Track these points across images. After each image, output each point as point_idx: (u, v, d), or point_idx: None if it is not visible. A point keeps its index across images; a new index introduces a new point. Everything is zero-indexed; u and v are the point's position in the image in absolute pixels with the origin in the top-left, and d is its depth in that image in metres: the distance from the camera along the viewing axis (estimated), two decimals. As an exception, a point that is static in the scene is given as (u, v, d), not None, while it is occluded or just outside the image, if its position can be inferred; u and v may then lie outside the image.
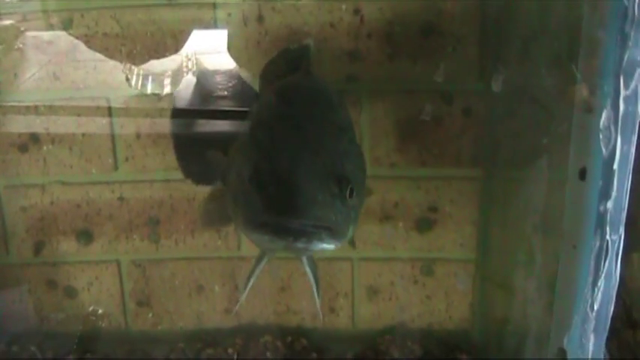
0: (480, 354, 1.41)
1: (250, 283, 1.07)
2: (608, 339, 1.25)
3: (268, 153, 0.81)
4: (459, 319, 1.45)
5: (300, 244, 0.74)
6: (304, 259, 1.02)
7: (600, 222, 0.75)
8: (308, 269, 1.02)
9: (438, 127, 1.35)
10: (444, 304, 1.44)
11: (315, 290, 1.08)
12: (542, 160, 1.04)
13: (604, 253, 0.76)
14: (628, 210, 1.17)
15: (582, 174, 0.74)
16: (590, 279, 0.77)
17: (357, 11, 1.29)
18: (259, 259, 1.05)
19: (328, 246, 0.77)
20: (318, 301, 1.10)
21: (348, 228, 0.81)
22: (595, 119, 0.70)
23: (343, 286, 1.44)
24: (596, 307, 0.78)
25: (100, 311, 1.47)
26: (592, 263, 0.77)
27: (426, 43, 1.30)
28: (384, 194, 1.38)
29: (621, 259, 0.79)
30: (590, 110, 0.70)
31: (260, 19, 1.30)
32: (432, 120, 1.33)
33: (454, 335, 1.45)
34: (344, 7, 1.29)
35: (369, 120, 1.35)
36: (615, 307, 1.24)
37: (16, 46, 1.32)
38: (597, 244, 0.76)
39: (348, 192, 0.79)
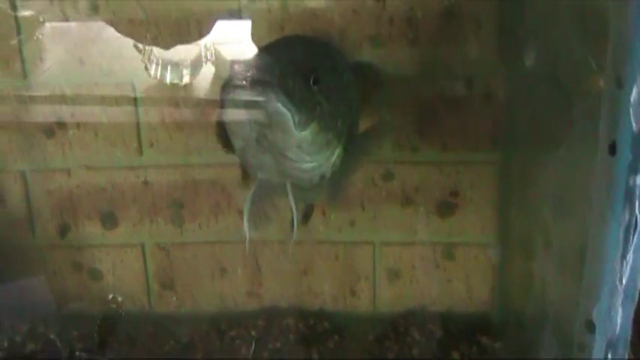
0: (499, 336, 1.42)
1: (246, 211, 1.10)
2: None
3: (254, 54, 0.94)
4: (480, 302, 1.47)
5: (255, 92, 0.83)
6: (288, 186, 1.02)
7: (629, 196, 0.76)
8: (291, 198, 1.04)
9: (458, 112, 1.36)
10: (464, 287, 1.46)
11: (294, 217, 1.10)
12: (561, 143, 1.05)
13: (633, 226, 0.77)
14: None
15: (612, 148, 0.75)
16: (620, 252, 0.79)
17: (379, -3, 1.31)
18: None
19: (282, 107, 0.84)
20: (294, 229, 1.12)
21: (308, 108, 0.88)
22: (625, 95, 0.72)
23: (364, 270, 1.46)
24: (624, 281, 0.80)
25: (123, 294, 1.49)
26: (621, 237, 0.78)
27: (447, 27, 1.31)
28: (405, 178, 1.40)
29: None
30: (621, 86, 0.71)
31: (284, 5, 1.31)
32: (453, 104, 1.35)
33: (474, 318, 1.46)
34: (367, -7, 1.31)
35: (391, 105, 1.37)
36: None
37: (35, 37, 1.34)
38: (626, 217, 0.77)
39: (312, 79, 0.88)
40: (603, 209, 0.78)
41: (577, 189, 0.97)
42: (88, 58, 1.36)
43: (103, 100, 1.38)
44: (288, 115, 0.85)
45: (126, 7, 1.32)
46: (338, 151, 0.98)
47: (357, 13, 1.31)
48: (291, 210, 1.04)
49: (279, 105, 0.84)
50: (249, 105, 0.85)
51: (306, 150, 0.92)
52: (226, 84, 0.87)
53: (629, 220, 0.77)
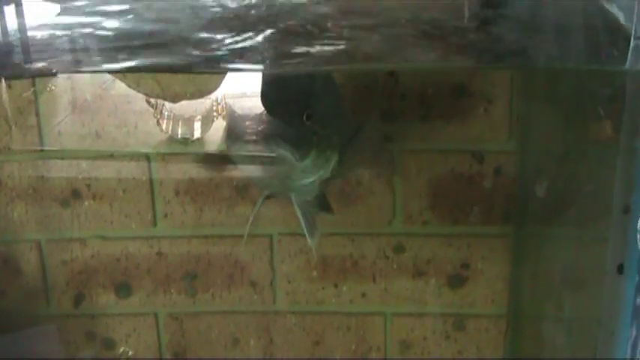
0: (510, 408, 1.43)
1: (252, 219, 1.20)
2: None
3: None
4: (490, 374, 1.47)
5: (257, 145, 0.92)
6: (293, 199, 1.10)
7: (636, 314, 0.78)
8: (297, 209, 1.10)
9: (469, 186, 1.37)
10: (475, 358, 1.46)
11: (304, 228, 1.13)
12: (572, 217, 1.06)
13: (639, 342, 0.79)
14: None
15: (620, 269, 0.77)
16: (627, 364, 0.81)
17: (391, 74, 1.32)
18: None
19: (283, 150, 0.92)
20: (309, 240, 1.16)
21: (305, 142, 0.96)
22: (632, 220, 0.73)
23: (376, 340, 1.47)
24: (632, 393, 0.81)
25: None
26: (629, 351, 0.80)
27: (458, 103, 1.33)
28: (416, 251, 1.41)
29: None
30: (627, 211, 0.73)
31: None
32: (464, 179, 1.36)
33: (485, 389, 1.47)
34: (378, 69, 1.33)
35: (403, 179, 1.38)
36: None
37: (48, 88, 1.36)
38: (634, 333, 0.79)
39: (305, 116, 0.95)
40: (612, 325, 0.79)
41: (589, 261, 0.98)
42: (105, 132, 1.38)
43: (119, 172, 1.40)
44: (289, 154, 0.93)
45: (142, 83, 1.34)
46: (335, 158, 1.04)
47: (368, 89, 1.33)
48: (300, 220, 1.11)
49: (280, 150, 0.92)
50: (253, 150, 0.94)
51: (310, 170, 1.01)
52: (231, 132, 0.98)
53: (636, 336, 0.79)
